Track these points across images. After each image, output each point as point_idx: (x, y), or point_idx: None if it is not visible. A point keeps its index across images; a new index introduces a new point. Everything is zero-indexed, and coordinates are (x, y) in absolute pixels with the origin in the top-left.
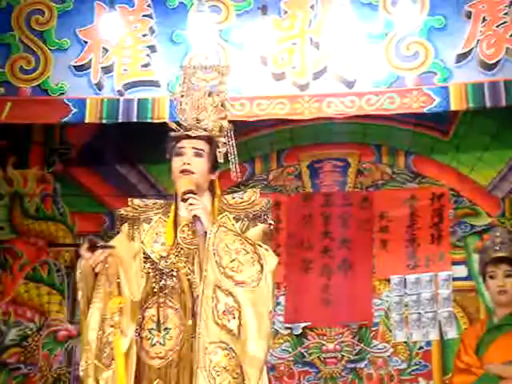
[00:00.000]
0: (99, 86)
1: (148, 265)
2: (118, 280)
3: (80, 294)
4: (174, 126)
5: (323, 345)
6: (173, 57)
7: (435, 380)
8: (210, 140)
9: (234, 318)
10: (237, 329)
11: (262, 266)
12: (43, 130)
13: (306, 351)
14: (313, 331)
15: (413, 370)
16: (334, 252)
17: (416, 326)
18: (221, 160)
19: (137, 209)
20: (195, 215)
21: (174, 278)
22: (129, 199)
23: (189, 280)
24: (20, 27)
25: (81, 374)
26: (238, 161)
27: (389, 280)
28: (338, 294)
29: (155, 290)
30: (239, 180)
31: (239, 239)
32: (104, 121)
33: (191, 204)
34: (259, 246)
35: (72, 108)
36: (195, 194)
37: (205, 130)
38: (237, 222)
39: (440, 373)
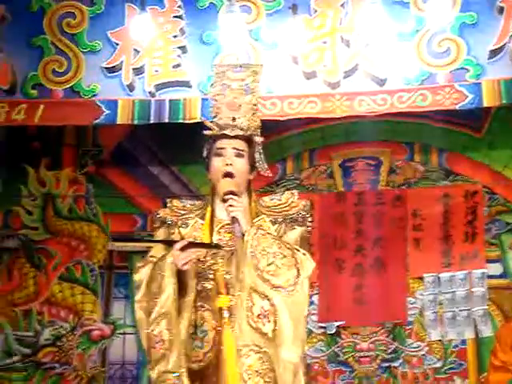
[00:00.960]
0: (131, 88)
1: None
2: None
3: (168, 290)
4: (209, 124)
5: (357, 344)
6: (203, 57)
7: (471, 378)
8: (249, 140)
9: (269, 321)
10: (272, 333)
11: (298, 271)
12: (75, 131)
13: (339, 350)
14: (346, 330)
15: (448, 369)
16: (367, 251)
17: (451, 324)
18: (258, 160)
19: (175, 211)
20: (234, 217)
21: (212, 281)
22: (167, 199)
23: (225, 281)
24: (52, 30)
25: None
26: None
27: (422, 278)
28: (371, 292)
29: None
30: (270, 177)
31: (277, 243)
32: (136, 122)
33: (231, 205)
34: (297, 250)
35: (104, 109)
36: (236, 195)
37: (241, 129)
38: (273, 225)
39: (476, 371)
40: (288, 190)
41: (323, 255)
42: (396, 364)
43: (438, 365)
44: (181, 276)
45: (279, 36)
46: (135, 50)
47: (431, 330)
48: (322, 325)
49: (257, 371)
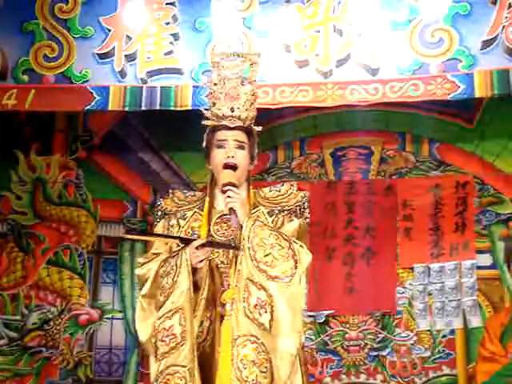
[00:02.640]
0: (122, 74)
1: None
2: None
3: (183, 285)
4: (208, 114)
5: (346, 333)
6: (196, 45)
7: (459, 368)
8: (249, 131)
9: (266, 312)
10: (268, 323)
11: (296, 262)
12: (66, 117)
13: (329, 339)
14: (336, 319)
15: (436, 358)
16: (358, 240)
17: (440, 314)
18: (257, 150)
19: (176, 202)
20: (231, 208)
21: (208, 271)
22: (170, 190)
23: (219, 271)
24: (44, 15)
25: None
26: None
27: (412, 268)
28: (361, 282)
29: None
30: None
31: (274, 234)
32: (127, 108)
33: (229, 197)
34: (294, 242)
35: (95, 96)
36: (236, 186)
37: (239, 119)
38: (270, 216)
39: (464, 361)
40: (279, 178)
41: (313, 244)
42: (384, 353)
43: (427, 354)
44: (194, 273)
45: (272, 24)
46: (127, 36)
47: (420, 319)
48: (312, 313)
49: (253, 361)
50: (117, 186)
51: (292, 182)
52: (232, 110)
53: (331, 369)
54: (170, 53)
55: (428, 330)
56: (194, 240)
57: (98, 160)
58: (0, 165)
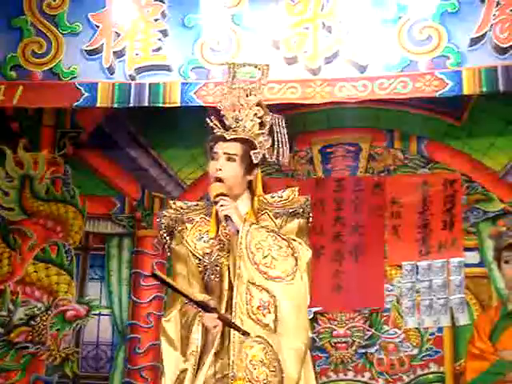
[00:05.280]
0: (111, 71)
1: (195, 261)
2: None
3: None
4: (214, 125)
5: (334, 330)
6: (184, 41)
7: (446, 366)
8: (245, 142)
9: (270, 312)
10: (273, 323)
11: (296, 260)
12: (54, 113)
13: (316, 336)
14: (324, 316)
15: (424, 356)
16: (346, 237)
17: (427, 312)
18: (256, 161)
19: (179, 210)
20: (226, 215)
21: (217, 274)
22: (171, 201)
23: (229, 273)
24: (32, 11)
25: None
26: (288, 148)
27: (400, 266)
28: (349, 279)
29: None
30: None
31: (272, 235)
32: (115, 105)
33: (222, 205)
34: (293, 240)
35: (83, 92)
36: (226, 196)
37: (243, 129)
38: (276, 218)
39: (451, 359)
40: (267, 175)
41: None
42: (372, 350)
43: (414, 352)
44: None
45: (261, 21)
46: (116, 32)
47: (408, 317)
48: None
49: (261, 361)
50: (104, 182)
51: (293, 188)
52: (237, 121)
53: (319, 366)
54: (158, 49)
55: (416, 328)
56: (209, 306)
57: (86, 156)
58: None
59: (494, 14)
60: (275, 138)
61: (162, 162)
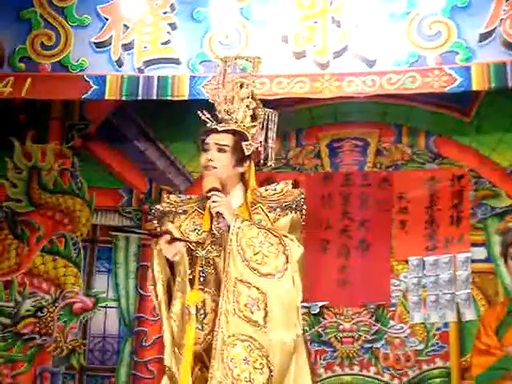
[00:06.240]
0: (119, 63)
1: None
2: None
3: (158, 285)
4: (206, 118)
5: (340, 324)
6: (193, 34)
7: (452, 361)
8: (236, 133)
9: (259, 309)
10: (262, 320)
11: (287, 257)
12: (62, 105)
13: (322, 330)
14: (330, 310)
15: (430, 351)
16: (353, 232)
17: (434, 307)
18: (248, 153)
19: (173, 203)
20: (218, 212)
21: (211, 266)
22: (165, 195)
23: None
24: (41, 3)
25: (166, 362)
26: (273, 148)
27: (407, 261)
28: (355, 274)
29: (190, 276)
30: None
31: (263, 232)
32: (124, 98)
33: (214, 201)
34: (285, 236)
35: (92, 85)
36: (219, 190)
37: (235, 121)
38: (270, 212)
39: (457, 354)
40: (275, 169)
41: (308, 235)
42: (378, 345)
43: (420, 347)
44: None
45: (270, 15)
46: (125, 25)
47: (414, 312)
48: (306, 305)
49: (244, 359)
50: (112, 174)
51: (287, 181)
52: (229, 113)
53: (325, 360)
54: (167, 42)
55: (422, 323)
56: (158, 232)
57: (94, 148)
58: None
59: (504, 10)
60: (265, 133)
61: (169, 154)
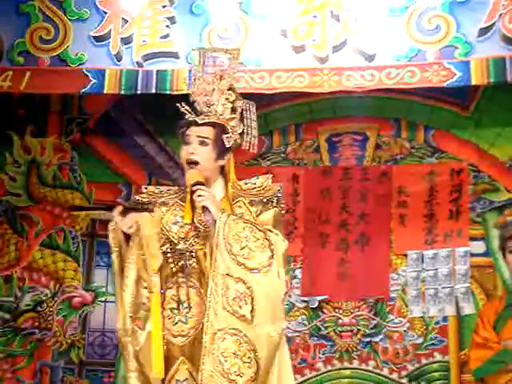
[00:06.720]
0: (118, 57)
1: (167, 245)
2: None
3: (114, 255)
4: (186, 110)
5: (339, 318)
6: (192, 28)
7: (451, 355)
8: (217, 126)
9: (247, 304)
10: (249, 314)
11: (272, 252)
12: (61, 99)
13: (321, 324)
14: (329, 305)
15: (429, 345)
16: (352, 226)
17: (433, 301)
18: (228, 145)
19: (152, 195)
20: (203, 206)
21: (194, 259)
22: (143, 186)
23: (207, 261)
24: None
25: (118, 333)
26: (256, 137)
27: (406, 255)
28: (354, 268)
29: (174, 270)
30: (255, 152)
31: (249, 226)
32: (123, 92)
33: (199, 195)
34: (269, 231)
35: (91, 78)
36: (203, 184)
37: (215, 113)
38: (251, 206)
39: (456, 348)
40: (274, 163)
41: (308, 229)
42: (377, 339)
43: (419, 341)
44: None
45: (269, 9)
46: (123, 19)
47: (413, 306)
48: (305, 299)
49: (234, 353)
50: (111, 169)
51: (268, 175)
52: (208, 105)
53: (323, 354)
54: (166, 36)
55: (421, 317)
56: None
57: (93, 143)
58: None
59: (503, 4)
60: (245, 124)
61: (168, 149)
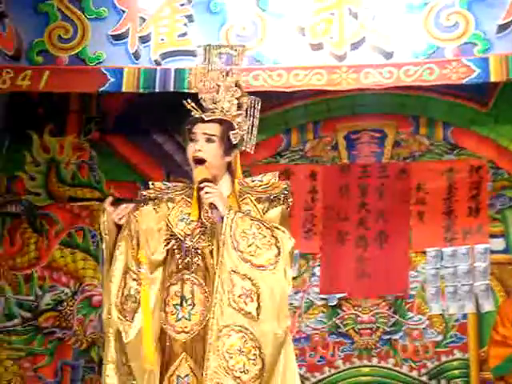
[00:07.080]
0: (136, 56)
1: (173, 242)
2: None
3: (104, 245)
4: (192, 107)
5: (358, 316)
6: (210, 26)
7: (471, 352)
8: (223, 122)
9: (253, 301)
10: (255, 311)
11: (279, 249)
12: (80, 98)
13: (340, 322)
14: (348, 302)
15: (448, 343)
16: (371, 224)
17: (452, 298)
18: (235, 142)
19: (159, 191)
20: (211, 203)
21: (199, 256)
22: (150, 182)
23: (213, 258)
24: None
25: (103, 323)
26: (256, 137)
27: (425, 252)
28: (373, 265)
29: (180, 266)
30: (252, 152)
31: (256, 224)
32: (141, 90)
33: (207, 192)
34: (276, 228)
35: (109, 77)
36: (211, 181)
37: (221, 110)
38: (258, 203)
39: (476, 345)
40: (292, 161)
41: (326, 227)
42: (396, 337)
43: (439, 338)
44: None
45: (286, 7)
46: (141, 17)
47: (432, 303)
48: (324, 296)
49: (239, 350)
50: (130, 167)
51: (274, 173)
52: (214, 102)
53: (343, 352)
54: (183, 35)
55: (440, 314)
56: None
57: (112, 141)
58: (14, 146)
59: None
60: (249, 121)
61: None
